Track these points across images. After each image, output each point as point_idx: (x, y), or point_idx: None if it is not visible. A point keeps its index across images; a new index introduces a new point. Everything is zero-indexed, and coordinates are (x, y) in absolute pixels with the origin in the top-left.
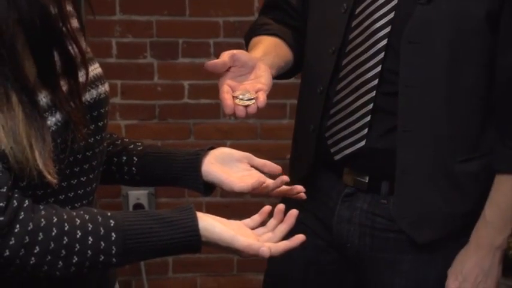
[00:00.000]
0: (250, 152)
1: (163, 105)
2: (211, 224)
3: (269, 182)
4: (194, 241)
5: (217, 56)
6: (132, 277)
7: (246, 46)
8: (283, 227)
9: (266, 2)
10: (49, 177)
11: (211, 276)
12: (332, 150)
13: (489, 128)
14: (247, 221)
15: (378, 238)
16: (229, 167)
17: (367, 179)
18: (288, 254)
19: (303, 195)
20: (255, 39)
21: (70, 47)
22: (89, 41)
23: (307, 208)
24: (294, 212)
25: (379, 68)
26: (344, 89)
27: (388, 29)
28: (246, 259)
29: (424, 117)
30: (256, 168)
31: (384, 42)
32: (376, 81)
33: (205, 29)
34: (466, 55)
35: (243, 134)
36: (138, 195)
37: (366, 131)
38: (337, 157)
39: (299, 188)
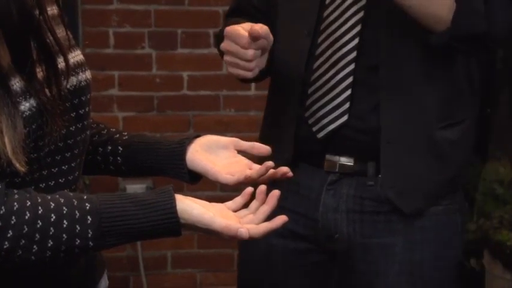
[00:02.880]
0: None
1: (162, 97)
2: (189, 206)
3: (255, 167)
4: (172, 223)
5: (217, 47)
6: (130, 273)
7: (218, 46)
8: (265, 209)
9: (231, 7)
10: (17, 165)
11: (210, 272)
12: (314, 128)
13: (466, 94)
14: (229, 203)
15: (368, 222)
16: (215, 154)
17: (352, 162)
18: (266, 260)
19: (290, 174)
20: None
21: (47, 36)
22: (86, 31)
23: (284, 207)
24: (275, 193)
25: (356, 40)
26: (321, 66)
27: (363, 2)
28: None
29: (405, 87)
30: (245, 152)
31: (361, 14)
32: (354, 54)
33: (205, 19)
34: None
35: (243, 126)
36: (135, 189)
37: (347, 105)
38: (320, 134)
39: (284, 169)
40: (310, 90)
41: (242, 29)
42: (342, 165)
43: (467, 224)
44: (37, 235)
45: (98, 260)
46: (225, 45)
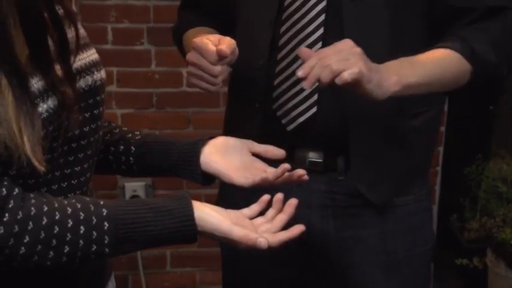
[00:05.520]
0: None
1: (161, 94)
2: (207, 214)
3: (270, 170)
4: (189, 231)
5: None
6: (129, 272)
7: (177, 42)
8: (282, 217)
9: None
10: (37, 164)
11: (210, 271)
12: (283, 121)
13: None
14: (245, 210)
15: (341, 216)
16: (229, 156)
17: (322, 158)
18: (242, 255)
19: (305, 177)
20: (191, 32)
21: (67, 31)
22: (84, 27)
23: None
24: (293, 201)
25: (321, 31)
26: (286, 57)
27: None
28: None
29: None
30: (258, 155)
31: (324, 3)
32: (319, 45)
33: None
34: (406, 6)
35: None
36: (134, 186)
37: (316, 97)
38: (290, 127)
39: (300, 171)
40: (276, 82)
41: (211, 44)
42: (312, 162)
43: (470, 222)
44: (53, 241)
45: (104, 264)
46: (191, 57)
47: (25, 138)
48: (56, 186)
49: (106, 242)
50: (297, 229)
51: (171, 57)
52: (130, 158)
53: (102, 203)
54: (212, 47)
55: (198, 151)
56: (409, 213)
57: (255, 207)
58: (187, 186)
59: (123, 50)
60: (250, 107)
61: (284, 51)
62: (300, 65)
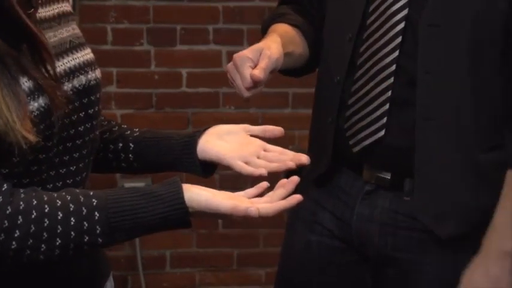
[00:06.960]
0: None
1: (161, 94)
2: (196, 194)
3: (269, 148)
4: (181, 213)
5: (216, 43)
6: (128, 272)
7: (263, 34)
8: (281, 191)
9: None
10: (30, 136)
11: (210, 271)
12: (351, 141)
13: None
14: (241, 193)
15: (400, 237)
16: (226, 140)
17: (389, 176)
18: (303, 256)
19: (305, 160)
20: (273, 26)
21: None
22: (83, 27)
23: (325, 207)
24: (294, 179)
25: (396, 53)
26: (361, 77)
27: (405, 12)
28: (247, 253)
29: (444, 105)
30: (257, 137)
31: (401, 25)
32: (393, 67)
33: (204, 15)
34: (489, 36)
35: (244, 123)
36: (134, 187)
37: (384, 120)
38: (355, 149)
39: (303, 158)
40: (350, 101)
41: (249, 64)
42: (379, 178)
43: None
44: (44, 234)
45: (102, 264)
46: (229, 69)
47: (14, 116)
48: (51, 185)
49: (98, 231)
50: (295, 199)
51: (170, 58)
52: (130, 155)
53: (92, 193)
54: (248, 73)
55: (194, 142)
56: (473, 248)
57: (251, 191)
58: None
59: (123, 50)
60: (324, 122)
61: (361, 71)
62: (374, 85)
